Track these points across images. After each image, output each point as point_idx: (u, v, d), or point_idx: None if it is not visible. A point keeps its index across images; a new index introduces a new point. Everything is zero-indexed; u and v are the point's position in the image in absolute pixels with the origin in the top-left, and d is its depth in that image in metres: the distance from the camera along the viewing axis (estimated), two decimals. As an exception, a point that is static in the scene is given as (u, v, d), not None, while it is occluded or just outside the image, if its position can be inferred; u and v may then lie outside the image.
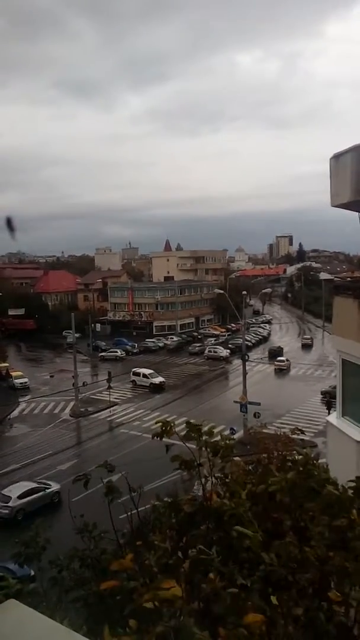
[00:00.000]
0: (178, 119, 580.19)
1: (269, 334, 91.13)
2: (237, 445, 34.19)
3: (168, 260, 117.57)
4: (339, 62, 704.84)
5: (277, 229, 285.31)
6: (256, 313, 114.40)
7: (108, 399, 49.64)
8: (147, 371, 56.45)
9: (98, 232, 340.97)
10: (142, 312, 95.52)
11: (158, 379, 54.96)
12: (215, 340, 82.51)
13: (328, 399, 37.27)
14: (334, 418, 12.00)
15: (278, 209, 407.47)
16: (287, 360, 65.20)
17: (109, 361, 70.10)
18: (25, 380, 57.53)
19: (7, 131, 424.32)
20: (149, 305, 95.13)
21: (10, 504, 26.99)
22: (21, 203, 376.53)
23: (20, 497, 27.46)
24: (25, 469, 34.62)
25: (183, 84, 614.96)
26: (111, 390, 49.99)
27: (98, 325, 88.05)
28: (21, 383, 56.75)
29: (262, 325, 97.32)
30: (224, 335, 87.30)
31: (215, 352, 71.63)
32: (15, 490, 27.96)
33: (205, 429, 3.19)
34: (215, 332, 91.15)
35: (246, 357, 44.97)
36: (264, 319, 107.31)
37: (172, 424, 3.21)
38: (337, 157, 10.77)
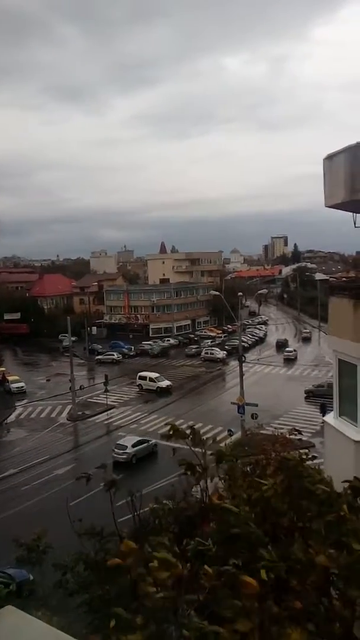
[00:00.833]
0: (169, 122, 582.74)
1: (265, 335, 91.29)
2: (235, 446, 34.21)
3: (163, 262, 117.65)
4: (327, 65, 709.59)
5: (272, 230, 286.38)
6: (252, 314, 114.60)
7: (105, 402, 49.55)
8: (153, 375, 56.30)
9: (93, 235, 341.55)
10: (138, 315, 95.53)
11: (165, 383, 54.85)
12: (211, 342, 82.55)
13: (322, 402, 37.52)
14: (331, 418, 12.03)
15: (273, 210, 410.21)
16: (295, 350, 72.62)
17: (105, 364, 69.98)
18: (22, 384, 57.35)
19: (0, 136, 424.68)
20: (145, 307, 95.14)
21: (127, 450, 34.87)
22: (15, 207, 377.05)
23: (133, 446, 35.42)
24: (23, 473, 34.48)
25: (172, 88, 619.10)
26: (108, 393, 49.89)
27: (94, 329, 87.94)
28: (17, 387, 56.55)
29: (258, 326, 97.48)
30: (221, 337, 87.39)
31: (212, 353, 71.63)
32: (128, 441, 36.11)
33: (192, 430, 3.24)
34: (211, 334, 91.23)
35: (243, 359, 44.99)
36: (260, 320, 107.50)
37: (180, 428, 3.25)
38: (330, 158, 10.82)
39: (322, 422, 34.97)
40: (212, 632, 2.03)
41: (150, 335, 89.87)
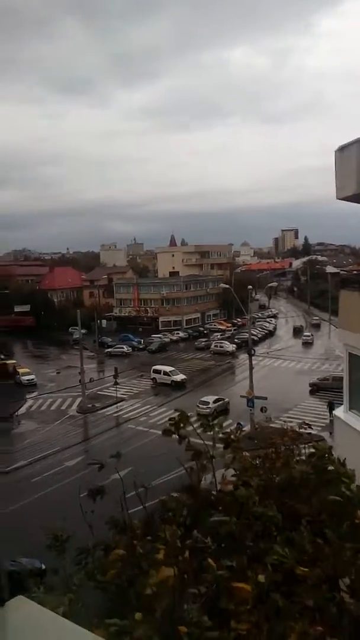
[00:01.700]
0: (172, 115, 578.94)
1: (275, 328, 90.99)
2: (244, 439, 34.22)
3: (173, 255, 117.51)
4: (329, 57, 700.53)
5: (282, 223, 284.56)
6: (262, 307, 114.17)
7: (115, 395, 49.79)
8: (168, 369, 56.31)
9: (102, 228, 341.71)
10: (148, 308, 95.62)
11: (179, 377, 54.87)
12: (221, 335, 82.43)
13: (330, 400, 37.62)
14: (341, 412, 11.99)
15: (282, 203, 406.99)
16: (311, 334, 78.87)
17: (115, 357, 70.24)
18: (32, 376, 57.76)
19: (3, 128, 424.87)
20: (154, 301, 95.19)
21: (210, 405, 42.21)
22: (22, 200, 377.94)
23: (214, 402, 43.18)
24: (34, 465, 34.82)
25: (175, 81, 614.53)
26: (118, 386, 50.10)
27: (104, 322, 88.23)
28: (28, 380, 56.98)
29: (267, 319, 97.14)
30: (230, 330, 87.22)
31: (222, 347, 71.55)
32: (210, 399, 43.98)
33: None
34: (221, 327, 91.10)
35: (252, 352, 44.92)
36: (270, 313, 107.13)
37: (188, 416, 3.28)
38: (342, 150, 10.69)
39: (331, 416, 34.81)
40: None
41: (160, 328, 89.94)
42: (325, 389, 47.19)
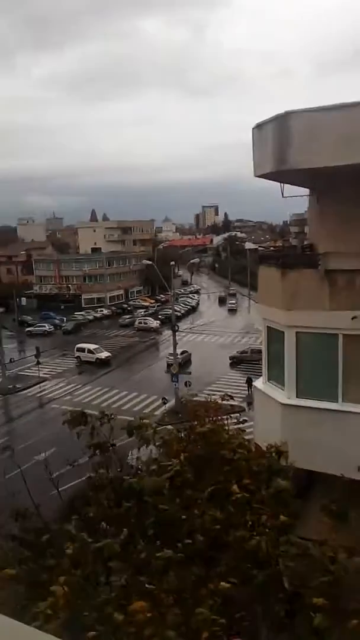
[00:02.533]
0: (88, 83, 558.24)
1: (198, 304, 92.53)
2: (170, 413, 34.84)
3: (95, 231, 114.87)
4: (247, 33, 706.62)
5: (203, 199, 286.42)
6: (185, 283, 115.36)
7: (37, 374, 48.49)
8: (92, 346, 55.33)
9: (18, 201, 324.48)
10: (70, 285, 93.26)
11: (104, 354, 54.18)
12: (145, 311, 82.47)
13: (248, 376, 38.85)
14: (260, 383, 12.53)
15: (203, 179, 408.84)
16: (236, 302, 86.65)
17: (36, 336, 68.13)
18: None
19: None
20: (76, 277, 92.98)
21: (178, 356, 44.60)
22: None
23: (181, 354, 47.71)
24: None
25: (90, 48, 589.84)
26: (40, 365, 48.79)
27: (24, 300, 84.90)
28: None
29: (190, 295, 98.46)
30: (154, 307, 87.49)
31: (146, 323, 71.72)
32: (178, 351, 45.20)
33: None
34: (144, 304, 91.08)
35: (176, 328, 45.48)
36: (193, 289, 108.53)
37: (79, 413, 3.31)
38: (259, 127, 10.87)
39: (250, 391, 36.22)
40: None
41: (83, 305, 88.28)
42: (244, 362, 49.01)
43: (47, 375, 49.56)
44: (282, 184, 12.34)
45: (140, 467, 3.39)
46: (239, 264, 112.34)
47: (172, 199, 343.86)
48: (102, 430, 3.35)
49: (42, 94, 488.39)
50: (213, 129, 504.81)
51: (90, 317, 79.83)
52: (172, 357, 44.48)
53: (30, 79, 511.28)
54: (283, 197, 12.60)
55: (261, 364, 13.04)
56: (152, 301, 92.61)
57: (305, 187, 13.15)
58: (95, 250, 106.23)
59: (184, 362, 48.22)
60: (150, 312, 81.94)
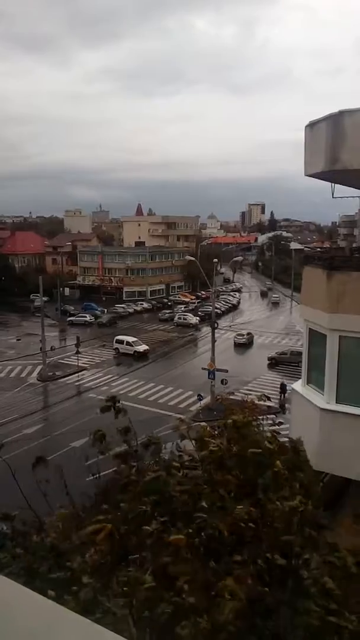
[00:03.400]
0: (135, 79, 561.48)
1: (239, 302, 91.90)
2: (205, 411, 34.84)
3: (139, 225, 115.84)
4: (297, 31, 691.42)
5: (249, 197, 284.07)
6: (226, 281, 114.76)
7: (76, 363, 49.46)
8: (131, 339, 55.86)
9: (65, 193, 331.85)
10: (112, 278, 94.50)
11: (142, 347, 54.62)
12: (185, 307, 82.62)
13: (282, 384, 38.24)
14: (299, 386, 12.29)
15: (250, 177, 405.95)
16: (279, 296, 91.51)
17: (77, 326, 69.47)
18: (-8, 343, 56.56)
19: None
20: (119, 270, 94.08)
21: (245, 337, 58.48)
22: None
23: (247, 334, 59.47)
24: (-8, 432, 34.39)
25: (138, 44, 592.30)
26: (79, 355, 49.74)
27: (67, 290, 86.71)
28: (-13, 346, 55.77)
29: (232, 293, 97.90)
30: (194, 303, 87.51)
31: (185, 319, 71.83)
32: (244, 332, 59.99)
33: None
34: (185, 299, 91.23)
35: (215, 325, 45.32)
36: (234, 287, 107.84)
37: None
38: (311, 126, 10.65)
39: (281, 398, 35.79)
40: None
41: (124, 298, 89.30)
42: (283, 363, 48.34)
43: (86, 365, 50.46)
44: (332, 184, 12.04)
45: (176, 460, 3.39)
46: (283, 263, 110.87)
47: (218, 196, 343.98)
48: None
49: (90, 89, 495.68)
50: (260, 127, 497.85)
51: (131, 310, 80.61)
52: (240, 337, 57.20)
53: (78, 74, 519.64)
54: (333, 197, 12.29)
55: (300, 367, 12.80)
56: (193, 297, 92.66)
57: (356, 187, 12.78)
58: (139, 244, 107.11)
59: (249, 343, 57.45)
60: (190, 308, 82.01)
